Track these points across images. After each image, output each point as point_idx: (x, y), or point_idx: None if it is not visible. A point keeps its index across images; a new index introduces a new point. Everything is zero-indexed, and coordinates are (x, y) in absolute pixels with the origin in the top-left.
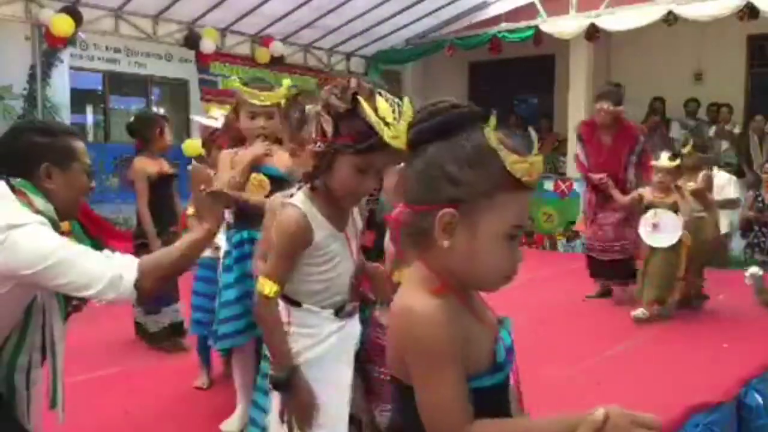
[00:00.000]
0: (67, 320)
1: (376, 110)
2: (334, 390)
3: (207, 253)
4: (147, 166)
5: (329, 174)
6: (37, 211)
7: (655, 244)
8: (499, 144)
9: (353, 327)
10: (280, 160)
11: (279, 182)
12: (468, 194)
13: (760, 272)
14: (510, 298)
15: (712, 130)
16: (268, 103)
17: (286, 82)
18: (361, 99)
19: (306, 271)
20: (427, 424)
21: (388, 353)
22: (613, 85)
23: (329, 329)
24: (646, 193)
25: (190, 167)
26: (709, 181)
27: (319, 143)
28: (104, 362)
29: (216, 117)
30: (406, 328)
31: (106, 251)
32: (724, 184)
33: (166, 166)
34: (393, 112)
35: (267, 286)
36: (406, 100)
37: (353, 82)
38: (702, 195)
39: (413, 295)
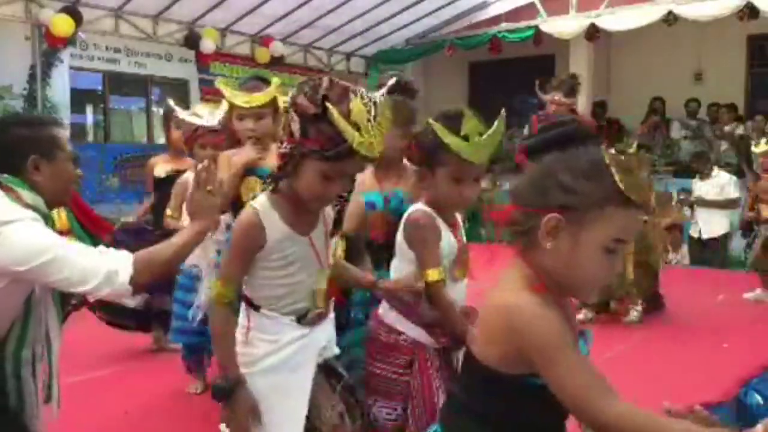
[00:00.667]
0: (66, 319)
1: (349, 113)
2: (288, 399)
3: (192, 260)
4: (157, 164)
5: (295, 177)
6: (27, 206)
7: None
8: (613, 161)
9: (320, 334)
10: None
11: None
12: (579, 203)
13: None
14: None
15: (715, 131)
16: (254, 104)
17: (275, 80)
18: (329, 104)
19: (263, 275)
20: (579, 407)
21: (480, 343)
22: (569, 77)
23: (290, 336)
24: None
25: (200, 167)
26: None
27: (285, 144)
28: (104, 362)
29: (201, 115)
30: (519, 327)
31: (101, 246)
32: (725, 184)
33: (184, 165)
34: (368, 113)
35: (215, 288)
36: (382, 99)
37: (325, 82)
38: None
39: (516, 294)
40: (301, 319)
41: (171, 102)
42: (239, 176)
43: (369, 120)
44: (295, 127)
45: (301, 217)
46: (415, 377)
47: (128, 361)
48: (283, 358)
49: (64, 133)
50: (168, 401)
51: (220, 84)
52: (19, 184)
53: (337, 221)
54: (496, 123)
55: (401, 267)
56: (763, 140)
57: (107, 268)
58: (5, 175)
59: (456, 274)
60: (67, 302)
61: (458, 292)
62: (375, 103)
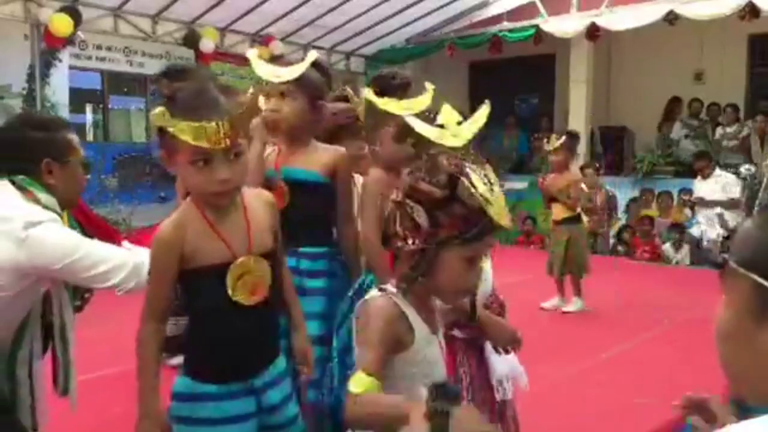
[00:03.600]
0: (82, 309)
1: (474, 187)
2: None
3: None
4: None
5: (431, 272)
6: (44, 207)
7: None
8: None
9: None
10: (310, 157)
11: (306, 187)
12: None
13: None
14: (510, 298)
15: (716, 131)
16: (285, 79)
17: (312, 53)
18: (462, 179)
19: (403, 386)
20: None
21: None
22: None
23: None
24: None
25: None
26: (576, 185)
27: (412, 240)
28: (104, 362)
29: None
30: None
31: (126, 243)
32: (727, 183)
33: None
34: (485, 183)
35: (360, 385)
36: (486, 167)
37: (441, 159)
38: (565, 196)
39: None
40: None
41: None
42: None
43: (485, 184)
44: (421, 217)
45: (429, 315)
46: None
47: (129, 361)
48: None
49: (76, 138)
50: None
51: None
52: (34, 185)
53: (473, 311)
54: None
55: None
56: (554, 136)
57: (134, 261)
58: (21, 177)
59: None
60: (80, 295)
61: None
62: (483, 164)
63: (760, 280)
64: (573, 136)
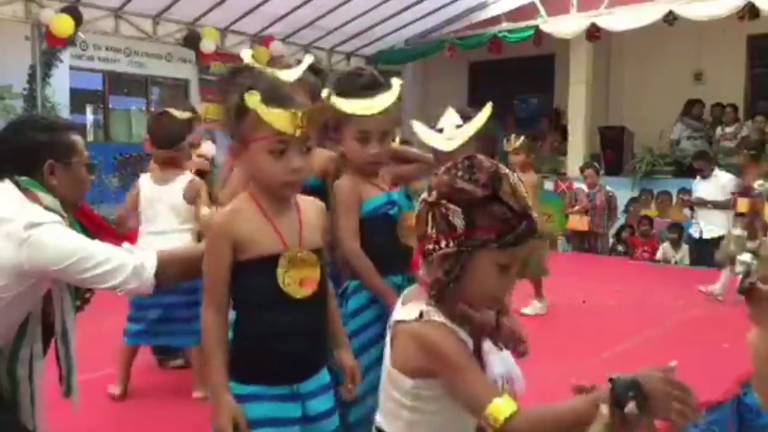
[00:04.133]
0: (83, 309)
1: (514, 188)
2: None
3: None
4: None
5: (462, 278)
6: (46, 208)
7: None
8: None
9: None
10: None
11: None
12: None
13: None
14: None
15: (717, 131)
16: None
17: (308, 57)
18: (505, 178)
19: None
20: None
21: None
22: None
23: None
24: None
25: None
26: (533, 190)
27: (446, 242)
28: (104, 362)
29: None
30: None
31: (126, 244)
32: (726, 184)
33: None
34: (521, 186)
35: (503, 410)
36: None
37: (484, 160)
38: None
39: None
40: None
41: None
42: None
43: (521, 187)
44: (457, 218)
45: (465, 326)
46: None
47: None
48: None
49: (81, 140)
50: (169, 401)
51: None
52: (37, 186)
53: (497, 324)
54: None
55: None
56: (513, 136)
57: (134, 263)
58: (24, 178)
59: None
60: (81, 295)
61: None
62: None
63: None
64: (535, 138)
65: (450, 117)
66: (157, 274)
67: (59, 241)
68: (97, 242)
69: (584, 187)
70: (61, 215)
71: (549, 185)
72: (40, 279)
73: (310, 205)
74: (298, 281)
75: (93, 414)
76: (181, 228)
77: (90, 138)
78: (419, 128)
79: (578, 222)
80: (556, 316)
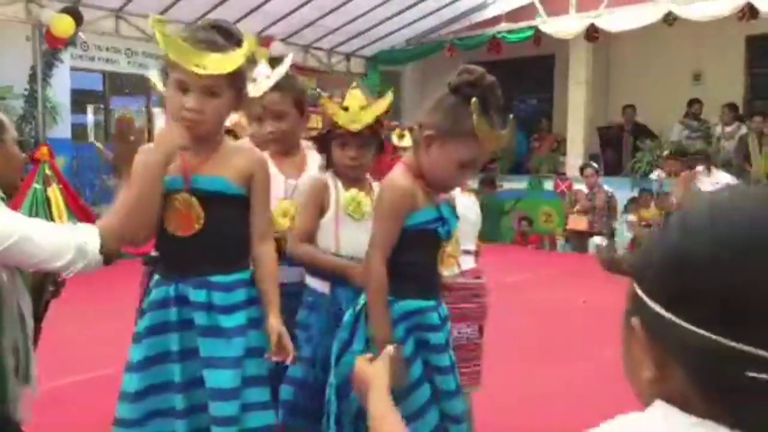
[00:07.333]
0: (47, 307)
1: None
2: None
3: None
4: None
5: None
6: None
7: None
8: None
9: None
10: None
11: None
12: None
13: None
14: (509, 298)
15: (717, 131)
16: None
17: (288, 59)
18: None
19: None
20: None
21: None
22: None
23: None
24: None
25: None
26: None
27: None
28: (104, 362)
29: None
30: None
31: (68, 223)
32: (724, 184)
33: None
34: None
35: None
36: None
37: None
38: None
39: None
40: None
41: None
42: None
43: None
44: None
45: None
46: None
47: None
48: None
49: (6, 118)
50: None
51: None
52: None
53: None
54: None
55: None
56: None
57: (76, 241)
58: None
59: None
60: (44, 289)
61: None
62: None
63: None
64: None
65: (355, 98)
66: (102, 249)
67: None
68: (38, 223)
69: (584, 187)
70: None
71: (549, 185)
72: None
73: None
74: None
75: (93, 414)
76: None
77: (91, 138)
78: (325, 102)
79: (578, 222)
80: (557, 315)
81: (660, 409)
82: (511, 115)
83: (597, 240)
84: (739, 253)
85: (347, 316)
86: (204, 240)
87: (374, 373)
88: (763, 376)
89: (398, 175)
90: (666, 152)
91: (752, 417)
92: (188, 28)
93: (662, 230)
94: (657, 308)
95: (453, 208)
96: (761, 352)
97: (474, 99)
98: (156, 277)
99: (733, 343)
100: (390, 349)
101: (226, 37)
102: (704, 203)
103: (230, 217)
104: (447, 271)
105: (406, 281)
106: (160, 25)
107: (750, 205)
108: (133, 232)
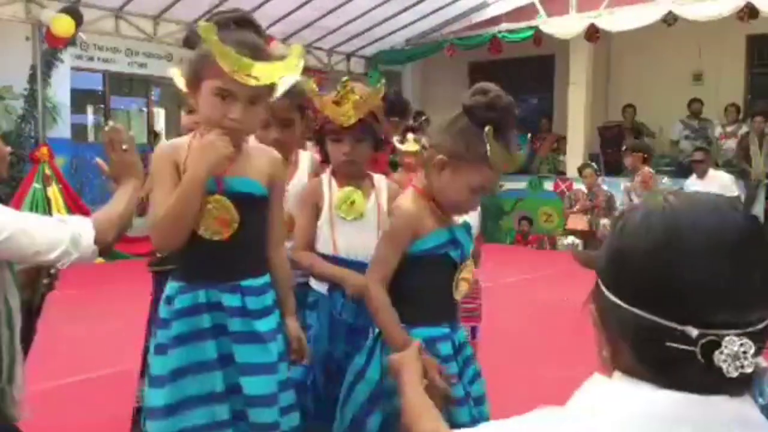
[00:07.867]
0: (43, 302)
1: None
2: None
3: None
4: None
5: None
6: None
7: None
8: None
9: None
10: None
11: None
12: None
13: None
14: (509, 298)
15: (717, 131)
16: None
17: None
18: None
19: None
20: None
21: None
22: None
23: None
24: None
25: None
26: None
27: None
28: (104, 362)
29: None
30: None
31: (59, 215)
32: (726, 184)
33: None
34: None
35: None
36: None
37: None
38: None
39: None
40: None
41: None
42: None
43: None
44: None
45: None
46: None
47: (129, 361)
48: None
49: None
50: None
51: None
52: None
53: None
54: None
55: None
56: (411, 136)
57: (70, 233)
58: None
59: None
60: (38, 283)
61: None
62: None
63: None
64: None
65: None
66: (96, 240)
67: None
68: (31, 216)
69: (583, 187)
70: None
71: (549, 185)
72: None
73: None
74: None
75: (93, 414)
76: None
77: (90, 138)
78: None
79: (578, 222)
80: (557, 315)
81: (617, 379)
82: (529, 134)
83: (570, 239)
84: (659, 247)
85: (369, 341)
86: (237, 243)
87: (406, 361)
88: (677, 345)
89: (407, 199)
90: (624, 148)
91: (680, 380)
92: (223, 30)
93: (611, 231)
94: (607, 293)
95: (468, 229)
96: (673, 324)
97: (488, 127)
98: (176, 284)
99: (653, 317)
100: (418, 342)
101: (258, 33)
102: (642, 208)
103: (259, 220)
104: (458, 295)
105: (416, 307)
106: (209, 32)
107: (679, 208)
108: (168, 241)
